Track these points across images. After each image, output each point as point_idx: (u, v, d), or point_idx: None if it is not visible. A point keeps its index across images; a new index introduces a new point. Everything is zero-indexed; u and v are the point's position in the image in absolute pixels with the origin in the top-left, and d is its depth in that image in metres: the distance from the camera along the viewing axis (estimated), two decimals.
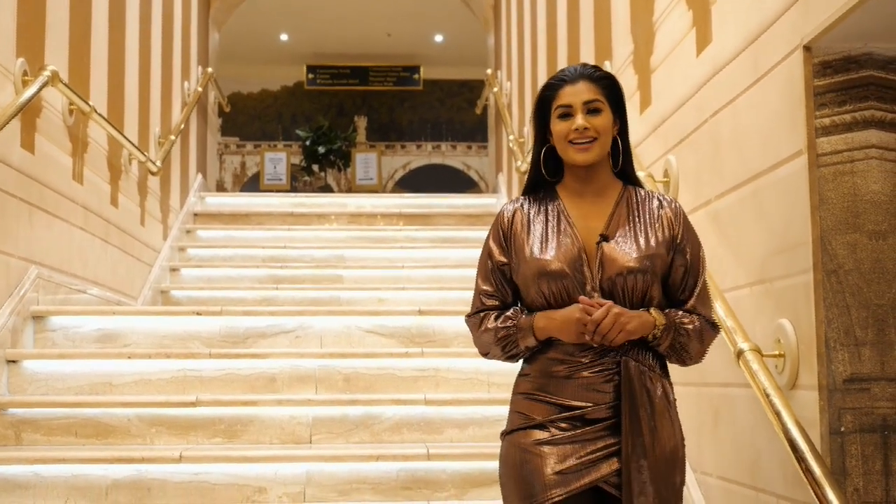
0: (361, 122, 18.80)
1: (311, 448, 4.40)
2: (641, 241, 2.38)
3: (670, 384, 2.42)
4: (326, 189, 16.17)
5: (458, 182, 18.33)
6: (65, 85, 5.12)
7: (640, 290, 2.35)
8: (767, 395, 2.77)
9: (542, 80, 7.22)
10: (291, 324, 5.26)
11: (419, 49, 17.64)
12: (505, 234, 2.47)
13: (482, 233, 8.22)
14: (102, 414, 4.43)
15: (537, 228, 2.43)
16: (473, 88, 16.25)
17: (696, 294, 2.43)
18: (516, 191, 8.45)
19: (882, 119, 2.75)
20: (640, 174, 3.97)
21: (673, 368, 2.49)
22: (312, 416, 4.51)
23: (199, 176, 9.50)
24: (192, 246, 8.00)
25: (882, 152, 2.74)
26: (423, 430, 4.54)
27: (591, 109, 2.39)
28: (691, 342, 2.39)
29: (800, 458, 2.55)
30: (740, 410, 3.34)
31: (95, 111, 5.64)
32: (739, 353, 2.96)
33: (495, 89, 9.69)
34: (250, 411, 4.49)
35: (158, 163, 7.12)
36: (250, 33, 15.62)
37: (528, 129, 7.82)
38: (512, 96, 9.02)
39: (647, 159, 4.38)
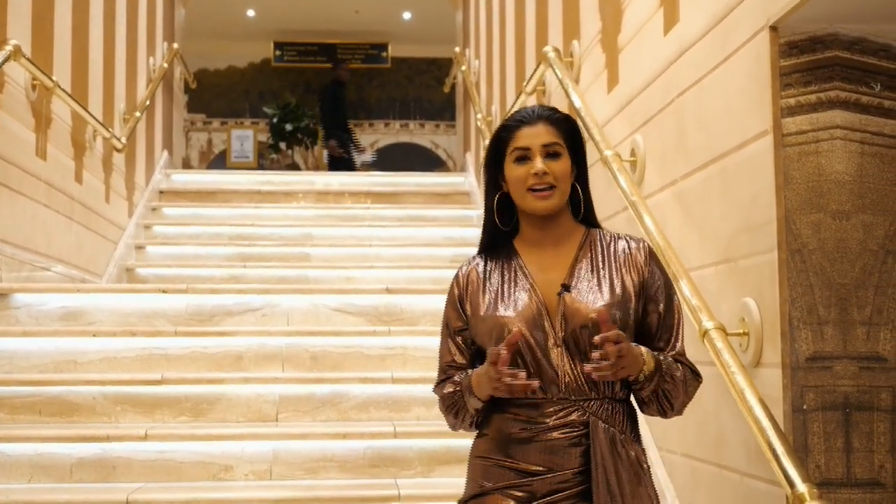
0: None
1: (277, 426, 4.40)
2: (606, 288, 2.17)
3: (642, 450, 2.20)
4: (294, 167, 16.08)
5: (426, 160, 18.23)
6: (27, 60, 5.05)
7: None
8: (731, 374, 2.79)
9: (511, 58, 7.21)
10: (258, 302, 5.24)
11: (387, 26, 17.51)
12: (461, 296, 2.28)
13: (450, 211, 8.24)
14: (67, 392, 4.40)
15: (493, 286, 2.23)
16: (442, 66, 16.14)
17: (678, 341, 2.25)
18: None
19: (847, 100, 2.77)
20: (608, 153, 4.00)
21: None
22: (279, 394, 4.50)
23: (165, 153, 9.41)
24: (158, 223, 7.94)
25: (846, 133, 2.76)
26: (390, 408, 4.55)
27: (551, 153, 2.19)
28: (677, 390, 2.19)
29: (763, 436, 2.57)
30: (705, 388, 3.35)
31: (59, 87, 5.57)
32: (704, 332, 2.98)
33: (463, 67, 9.66)
34: (216, 389, 4.48)
35: (123, 139, 7.05)
36: (216, 9, 15.42)
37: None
38: (480, 75, 8.99)
39: (614, 139, 4.39)
